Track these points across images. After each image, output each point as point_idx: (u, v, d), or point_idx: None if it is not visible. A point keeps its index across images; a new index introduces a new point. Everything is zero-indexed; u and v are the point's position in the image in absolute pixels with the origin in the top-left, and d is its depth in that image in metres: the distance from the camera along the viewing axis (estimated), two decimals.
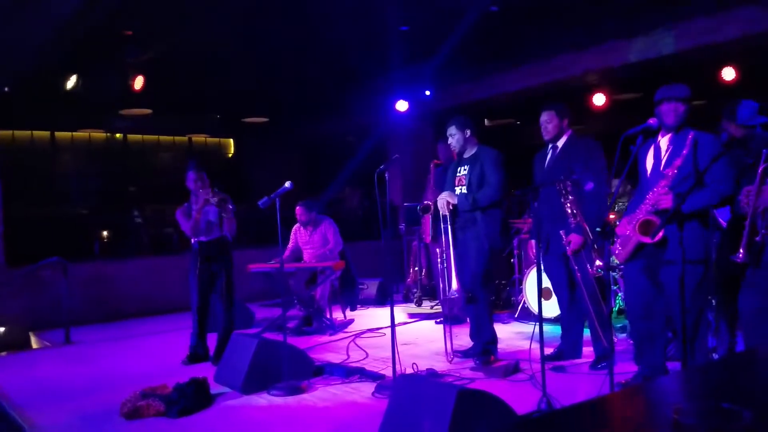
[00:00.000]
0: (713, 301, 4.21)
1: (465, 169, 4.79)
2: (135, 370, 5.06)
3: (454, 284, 4.71)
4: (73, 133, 10.14)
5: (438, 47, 7.16)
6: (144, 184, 10.58)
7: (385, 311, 6.33)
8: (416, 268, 7.88)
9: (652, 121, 3.56)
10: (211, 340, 5.22)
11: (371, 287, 7.91)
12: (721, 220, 4.22)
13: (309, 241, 6.68)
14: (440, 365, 4.67)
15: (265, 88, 8.62)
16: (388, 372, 4.21)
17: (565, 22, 6.83)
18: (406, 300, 7.95)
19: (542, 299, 3.64)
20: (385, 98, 9.07)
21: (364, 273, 7.85)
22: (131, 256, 9.33)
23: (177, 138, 11.14)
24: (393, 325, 4.08)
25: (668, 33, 6.51)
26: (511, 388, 3.99)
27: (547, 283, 5.13)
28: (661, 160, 3.68)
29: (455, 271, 4.71)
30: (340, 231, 6.73)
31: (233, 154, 11.85)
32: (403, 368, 4.23)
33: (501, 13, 6.28)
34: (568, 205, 4.08)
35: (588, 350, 4.60)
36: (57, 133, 10.01)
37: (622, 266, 4.59)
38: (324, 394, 4.14)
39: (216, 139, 11.62)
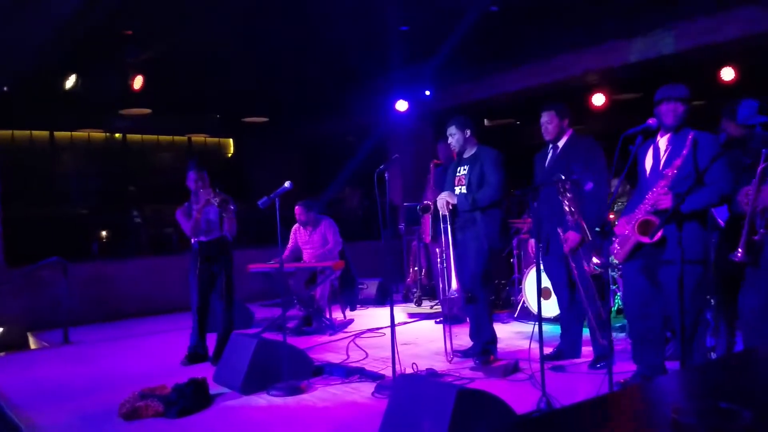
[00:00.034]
0: (712, 301, 4.21)
1: (465, 169, 4.79)
2: (134, 370, 5.05)
3: (454, 284, 4.71)
4: (73, 132, 10.14)
5: (438, 47, 7.15)
6: (143, 184, 10.58)
7: (384, 311, 6.34)
8: (416, 268, 7.88)
9: (651, 121, 3.56)
10: (211, 340, 5.22)
11: (371, 287, 7.91)
12: (719, 219, 4.22)
13: (309, 241, 6.68)
14: (440, 365, 4.67)
15: (265, 88, 8.62)
16: (388, 372, 4.21)
17: (565, 22, 6.83)
18: (406, 300, 7.95)
19: (541, 299, 3.64)
20: (385, 98, 9.06)
21: (364, 273, 7.85)
22: (131, 256, 9.34)
23: (177, 138, 11.15)
24: (393, 325, 4.08)
25: (668, 33, 6.52)
26: (510, 388, 3.99)
27: (546, 282, 5.13)
28: (660, 160, 3.68)
29: (455, 271, 4.71)
30: (340, 231, 6.72)
31: (233, 154, 11.86)
32: (402, 368, 4.23)
33: (501, 13, 6.28)
34: (566, 203, 4.09)
35: (587, 350, 4.61)
36: (56, 133, 10.02)
37: (620, 266, 4.58)
38: (324, 394, 4.14)
39: (216, 139, 11.62)
